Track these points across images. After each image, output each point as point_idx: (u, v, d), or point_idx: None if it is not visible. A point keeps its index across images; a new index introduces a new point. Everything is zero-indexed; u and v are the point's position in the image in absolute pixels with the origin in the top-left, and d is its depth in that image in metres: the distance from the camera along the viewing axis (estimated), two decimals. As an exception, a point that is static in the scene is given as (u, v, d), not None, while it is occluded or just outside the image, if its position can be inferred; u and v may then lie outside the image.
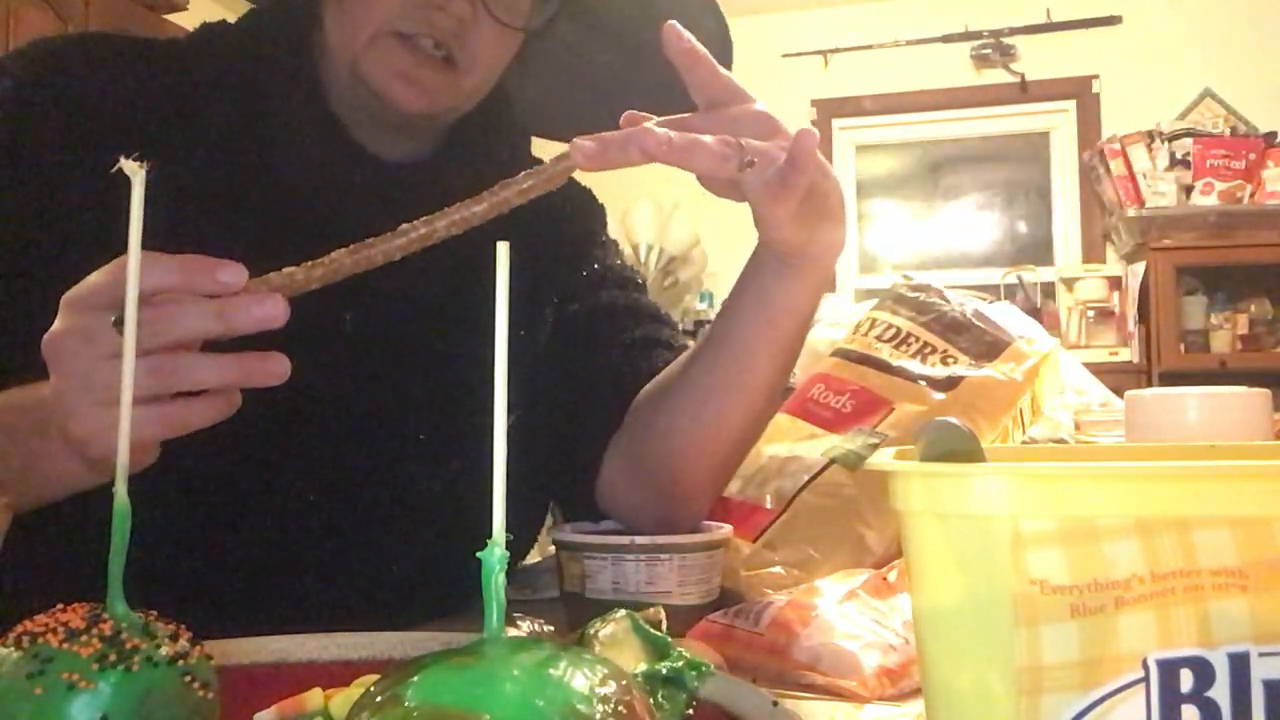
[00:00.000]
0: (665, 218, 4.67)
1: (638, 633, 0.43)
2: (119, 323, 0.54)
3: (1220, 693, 0.36)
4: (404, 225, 0.59)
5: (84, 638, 0.38)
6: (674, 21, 0.69)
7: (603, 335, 0.96)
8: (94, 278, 0.58)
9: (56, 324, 0.59)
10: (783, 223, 0.71)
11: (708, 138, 0.64)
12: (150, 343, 0.55)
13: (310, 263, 0.58)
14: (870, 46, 4.93)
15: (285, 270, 0.58)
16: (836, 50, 4.96)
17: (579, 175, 0.94)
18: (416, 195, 0.89)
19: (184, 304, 0.56)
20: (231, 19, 0.91)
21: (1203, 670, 0.36)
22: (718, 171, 0.66)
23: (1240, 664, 0.36)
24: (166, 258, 0.55)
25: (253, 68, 0.86)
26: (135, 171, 0.42)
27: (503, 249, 0.41)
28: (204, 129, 0.85)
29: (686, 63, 0.69)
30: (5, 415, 0.67)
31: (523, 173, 0.61)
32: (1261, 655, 0.37)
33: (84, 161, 0.79)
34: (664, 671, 0.42)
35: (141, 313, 0.55)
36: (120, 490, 0.41)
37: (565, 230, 0.99)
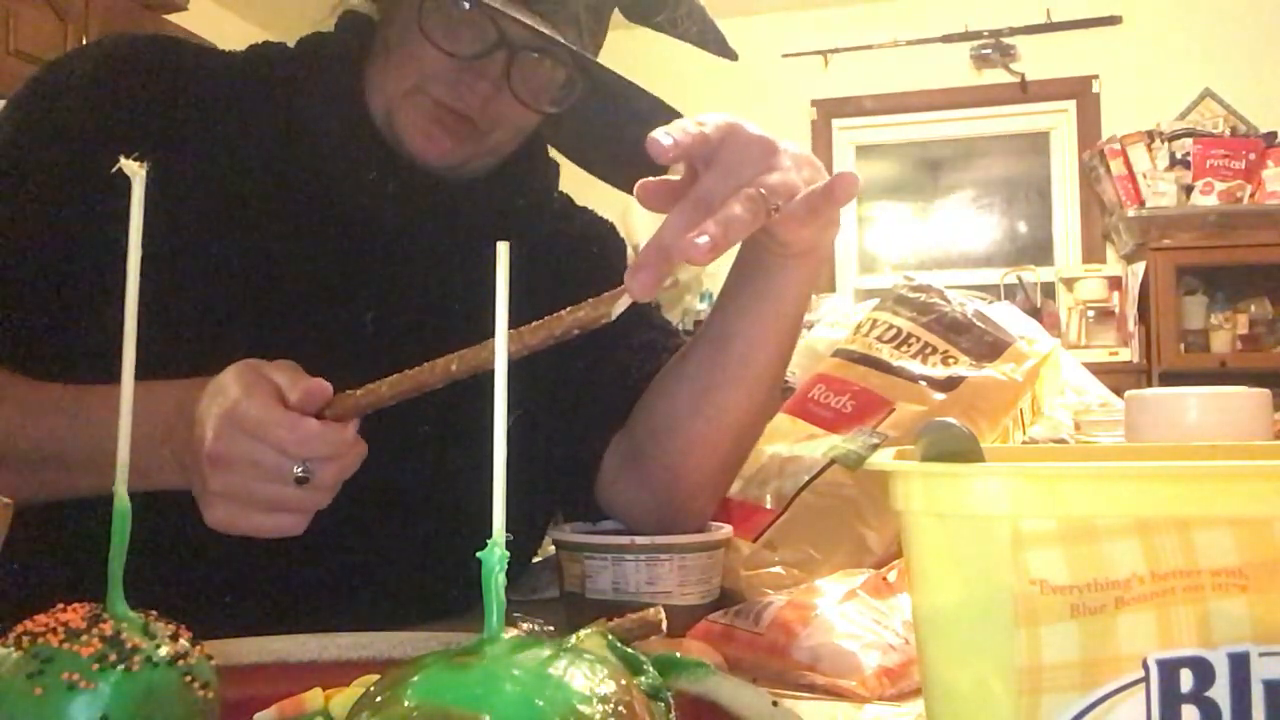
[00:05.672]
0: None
1: (611, 649, 0.43)
2: (300, 480, 0.64)
3: (1220, 693, 0.36)
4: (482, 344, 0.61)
5: (84, 638, 0.38)
6: (654, 134, 0.65)
7: (611, 336, 0.96)
8: (273, 418, 0.64)
9: (219, 437, 0.64)
10: (800, 235, 0.73)
11: (738, 208, 0.63)
12: (328, 480, 0.66)
13: (395, 377, 0.65)
14: (870, 46, 4.92)
15: (368, 387, 0.66)
16: (836, 50, 4.96)
17: (603, 208, 1.07)
18: (450, 204, 0.91)
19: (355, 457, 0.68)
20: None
21: (1203, 670, 0.36)
22: (754, 228, 0.65)
23: (1240, 664, 0.36)
24: (337, 437, 0.65)
25: (304, 78, 0.91)
26: (135, 171, 0.42)
27: (502, 249, 0.41)
28: (252, 130, 0.88)
29: (675, 159, 0.66)
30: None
31: (585, 303, 0.61)
32: (1261, 655, 0.37)
33: (142, 152, 0.82)
34: (640, 687, 0.42)
35: (327, 465, 0.65)
36: (120, 490, 0.41)
37: (586, 258, 1.02)
